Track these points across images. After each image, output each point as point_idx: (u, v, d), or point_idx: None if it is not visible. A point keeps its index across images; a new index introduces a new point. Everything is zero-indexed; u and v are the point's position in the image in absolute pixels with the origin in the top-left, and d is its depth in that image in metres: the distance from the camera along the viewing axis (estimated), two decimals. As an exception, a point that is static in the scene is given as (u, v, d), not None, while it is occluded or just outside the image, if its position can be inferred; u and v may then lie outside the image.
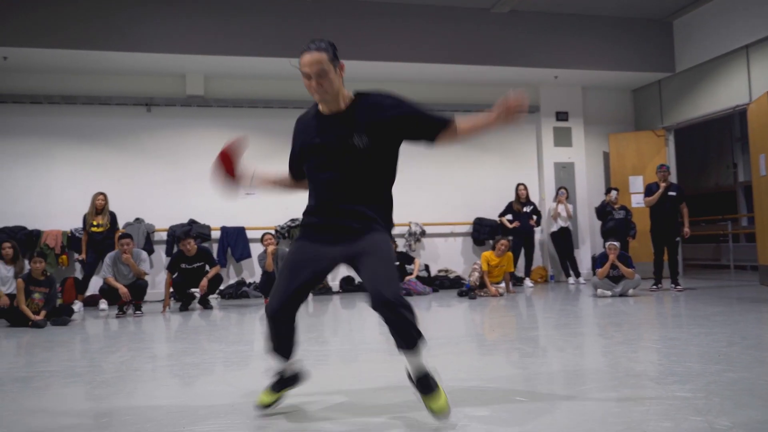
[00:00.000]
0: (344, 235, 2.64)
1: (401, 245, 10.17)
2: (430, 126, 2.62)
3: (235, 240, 9.63)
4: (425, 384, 2.54)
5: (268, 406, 2.80)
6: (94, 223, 8.28)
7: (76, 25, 8.35)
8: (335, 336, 5.50)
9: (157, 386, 3.59)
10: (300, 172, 2.86)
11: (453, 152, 10.75)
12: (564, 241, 10.32)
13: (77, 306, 8.19)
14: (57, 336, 5.90)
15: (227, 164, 2.76)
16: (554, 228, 10.34)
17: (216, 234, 9.69)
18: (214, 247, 9.70)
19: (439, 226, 10.59)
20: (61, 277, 9.05)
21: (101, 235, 8.17)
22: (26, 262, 7.65)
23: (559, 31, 10.12)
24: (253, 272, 9.86)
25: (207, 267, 8.06)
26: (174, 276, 7.92)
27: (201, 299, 8.05)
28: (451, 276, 10.17)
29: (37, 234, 9.02)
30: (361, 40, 9.30)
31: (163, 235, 9.49)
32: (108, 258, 7.53)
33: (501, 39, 9.87)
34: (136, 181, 9.53)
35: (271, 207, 9.95)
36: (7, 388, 3.62)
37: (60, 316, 6.85)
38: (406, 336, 2.49)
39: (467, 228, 10.71)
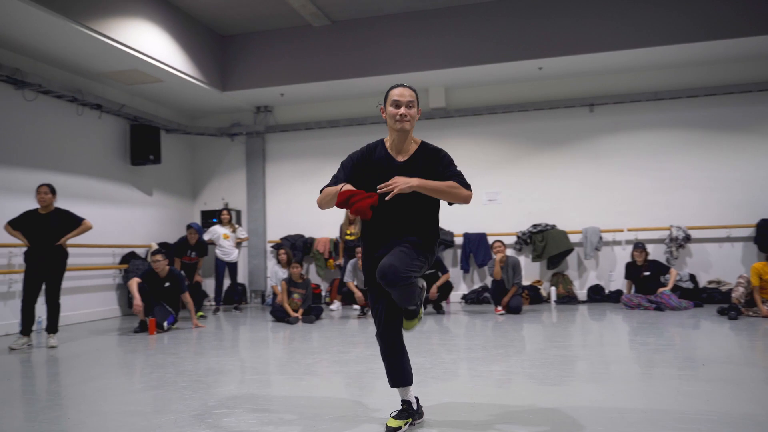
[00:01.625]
0: None
1: (659, 253, 9.03)
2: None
3: (477, 246, 9.76)
4: (408, 314, 3.07)
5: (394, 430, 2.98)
6: (348, 232, 9.31)
7: (332, 60, 9.48)
8: (582, 349, 5.29)
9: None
10: None
11: (729, 140, 9.11)
12: None
13: (335, 305, 9.31)
14: (309, 332, 6.85)
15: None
16: None
17: (459, 240, 9.96)
18: (458, 254, 10.01)
19: (711, 230, 9.08)
20: (330, 279, 10.41)
21: (353, 243, 9.13)
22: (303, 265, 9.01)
23: None
24: (496, 278, 9.86)
25: (439, 274, 8.37)
26: (408, 282, 8.42)
27: (434, 304, 8.40)
28: (723, 289, 8.61)
29: (311, 241, 10.52)
30: (605, 30, 8.53)
31: (412, 242, 10.13)
32: (349, 264, 8.41)
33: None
34: (388, 192, 10.37)
35: (515, 213, 9.83)
36: (277, 377, 4.40)
37: (309, 314, 7.91)
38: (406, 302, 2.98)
39: (749, 231, 8.94)
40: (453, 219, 9.98)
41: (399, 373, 3.05)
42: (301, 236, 10.61)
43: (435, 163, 3.00)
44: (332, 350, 5.63)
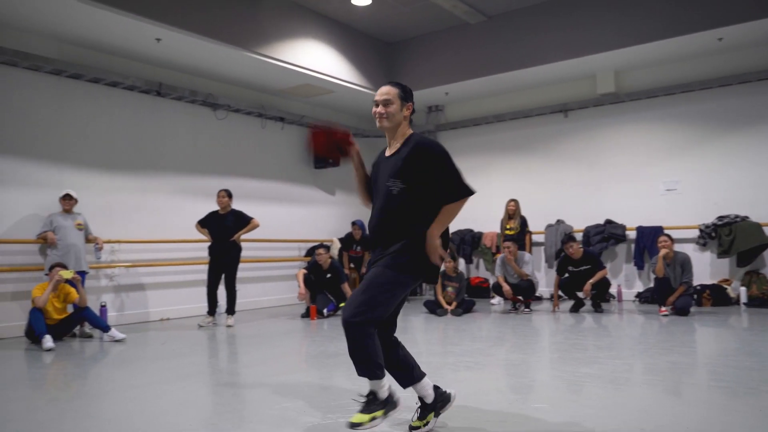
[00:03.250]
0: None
1: None
2: (446, 193, 2.88)
3: (652, 241, 8.96)
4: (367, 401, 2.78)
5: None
6: (508, 226, 9.28)
7: (492, 54, 9.49)
8: (711, 358, 4.88)
9: (549, 387, 3.93)
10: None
11: None
12: None
13: (496, 300, 9.33)
14: (446, 323, 7.15)
15: (322, 140, 3.08)
16: None
17: (632, 234, 9.25)
18: (631, 248, 9.30)
19: None
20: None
21: (510, 237, 9.07)
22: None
23: None
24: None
25: (596, 271, 7.94)
26: (563, 278, 8.14)
27: (593, 302, 8.00)
28: None
29: (479, 236, 10.65)
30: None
31: (579, 236, 9.67)
32: (498, 259, 8.40)
33: None
34: (556, 185, 10.07)
35: (697, 203, 8.83)
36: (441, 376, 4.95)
37: (458, 308, 8.12)
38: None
39: None
40: (625, 211, 9.35)
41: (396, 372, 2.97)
42: (470, 231, 10.80)
43: (425, 159, 2.84)
44: (440, 343, 5.83)
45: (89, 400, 3.83)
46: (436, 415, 3.04)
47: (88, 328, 6.72)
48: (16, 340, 6.43)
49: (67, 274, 6.26)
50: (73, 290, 6.40)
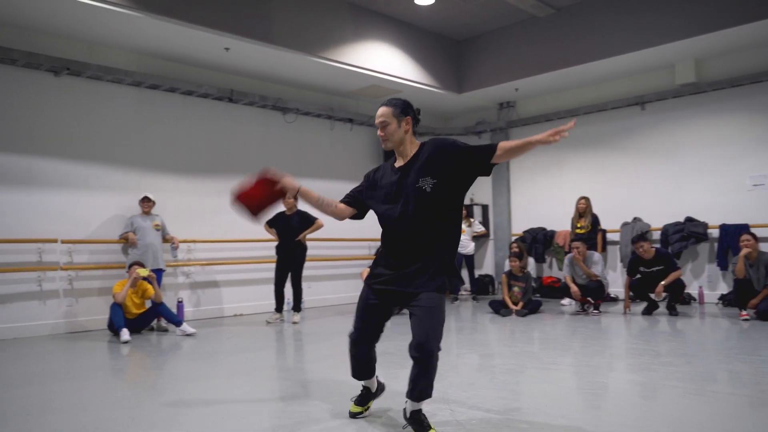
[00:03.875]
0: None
1: None
2: (481, 157, 2.87)
3: (736, 240, 8.35)
4: (418, 421, 2.95)
5: (355, 415, 3.36)
6: (578, 225, 9.00)
7: (563, 48, 9.18)
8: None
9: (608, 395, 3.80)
10: (358, 210, 3.24)
11: None
12: None
13: (566, 300, 9.06)
14: (507, 325, 7.09)
15: (258, 194, 3.18)
16: None
17: (714, 233, 8.69)
18: (714, 248, 8.75)
19: None
20: (571, 273, 10.12)
21: (581, 237, 8.78)
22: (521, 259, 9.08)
23: None
24: (767, 277, 8.32)
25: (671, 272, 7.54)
26: (634, 279, 7.80)
27: (667, 304, 7.61)
28: None
29: (551, 234, 10.38)
30: None
31: (657, 234, 9.20)
32: (566, 259, 8.16)
33: None
34: (632, 181, 9.64)
35: (790, 199, 8.18)
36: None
37: (524, 308, 7.97)
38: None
39: None
40: (707, 208, 8.81)
41: (365, 370, 3.31)
42: (543, 229, 10.56)
43: (449, 152, 2.90)
44: (492, 344, 5.76)
45: (154, 390, 4.13)
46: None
47: (164, 322, 7.18)
48: (101, 332, 7.00)
49: (143, 272, 6.73)
50: (150, 287, 6.87)
